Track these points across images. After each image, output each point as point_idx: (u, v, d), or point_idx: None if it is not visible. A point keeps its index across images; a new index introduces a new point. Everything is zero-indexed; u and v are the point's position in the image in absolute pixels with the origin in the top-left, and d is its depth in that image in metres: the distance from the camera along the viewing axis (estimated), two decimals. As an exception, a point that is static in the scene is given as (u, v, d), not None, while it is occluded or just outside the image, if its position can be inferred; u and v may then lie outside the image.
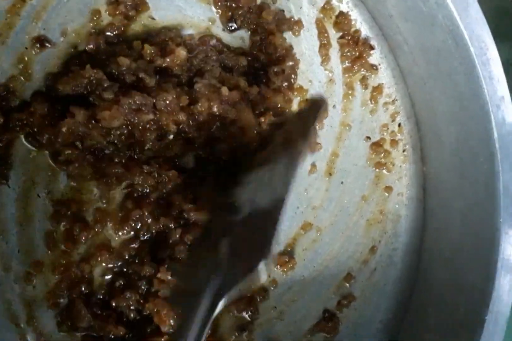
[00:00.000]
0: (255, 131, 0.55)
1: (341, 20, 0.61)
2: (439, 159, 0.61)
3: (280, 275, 0.60)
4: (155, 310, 0.51)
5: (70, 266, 0.52)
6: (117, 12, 0.54)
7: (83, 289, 0.52)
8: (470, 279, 0.55)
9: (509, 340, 0.54)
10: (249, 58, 0.58)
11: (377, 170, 0.64)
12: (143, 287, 0.52)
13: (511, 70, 0.85)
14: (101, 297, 0.52)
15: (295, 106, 0.61)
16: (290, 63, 0.60)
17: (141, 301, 0.52)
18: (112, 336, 0.51)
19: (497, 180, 0.52)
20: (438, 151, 0.61)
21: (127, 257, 0.53)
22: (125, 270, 0.53)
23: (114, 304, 0.51)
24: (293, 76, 0.60)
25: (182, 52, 0.53)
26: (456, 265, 0.57)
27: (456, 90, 0.54)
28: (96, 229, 0.53)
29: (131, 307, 0.52)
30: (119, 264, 0.53)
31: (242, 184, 0.55)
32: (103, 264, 0.52)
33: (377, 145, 0.64)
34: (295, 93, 0.61)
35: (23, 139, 0.52)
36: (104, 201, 0.53)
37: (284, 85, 0.60)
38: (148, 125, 0.52)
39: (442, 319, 0.58)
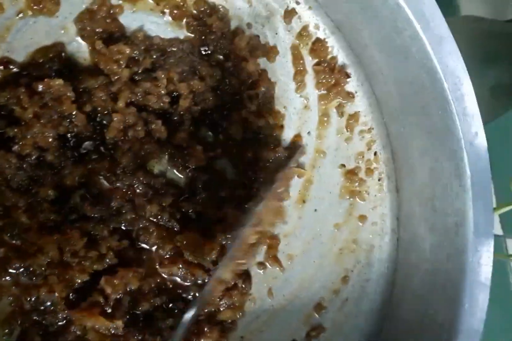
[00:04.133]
0: None
1: (318, 47, 0.60)
2: (413, 191, 0.60)
3: (248, 303, 0.59)
4: None
5: (21, 294, 0.51)
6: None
7: (35, 317, 0.51)
8: (439, 319, 0.54)
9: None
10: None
11: (351, 198, 0.63)
12: None
13: (500, 93, 0.84)
14: (55, 326, 0.51)
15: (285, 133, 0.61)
16: (265, 87, 0.59)
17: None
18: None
19: (468, 218, 0.51)
20: (412, 183, 0.60)
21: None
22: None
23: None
24: (269, 100, 0.60)
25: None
26: (426, 302, 0.56)
27: (430, 124, 0.53)
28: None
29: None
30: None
31: None
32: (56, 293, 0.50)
33: (352, 174, 0.62)
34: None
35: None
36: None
37: (262, 109, 0.59)
38: None
39: (410, 355, 0.57)
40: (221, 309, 0.56)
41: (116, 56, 0.52)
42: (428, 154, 0.55)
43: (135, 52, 0.53)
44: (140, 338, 0.52)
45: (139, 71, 0.54)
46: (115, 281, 0.51)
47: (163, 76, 0.53)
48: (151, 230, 0.52)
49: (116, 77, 0.52)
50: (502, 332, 0.93)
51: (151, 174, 0.55)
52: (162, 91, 0.53)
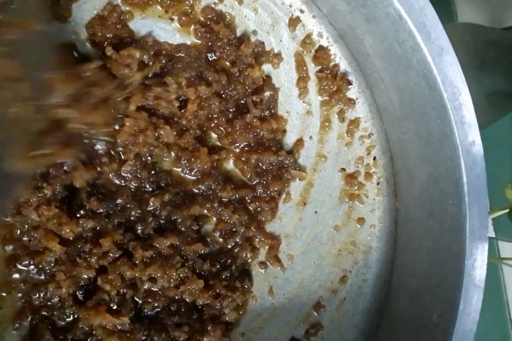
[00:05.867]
0: None
1: (321, 54, 0.61)
2: (411, 196, 0.62)
3: (249, 302, 0.61)
4: None
5: (30, 290, 0.52)
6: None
7: (44, 313, 0.52)
8: (434, 319, 0.55)
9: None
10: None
11: (350, 201, 0.65)
12: None
13: (496, 100, 0.86)
14: (63, 322, 0.53)
15: (288, 137, 0.63)
16: (269, 93, 0.61)
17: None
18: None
19: (464, 223, 0.53)
20: (410, 188, 0.61)
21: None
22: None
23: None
24: (273, 105, 0.61)
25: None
26: (421, 303, 0.58)
27: (428, 132, 0.55)
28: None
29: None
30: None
31: None
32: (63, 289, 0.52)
33: (351, 177, 0.64)
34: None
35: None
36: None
37: (266, 113, 0.61)
38: None
39: (405, 354, 0.59)
40: (226, 312, 0.58)
41: (127, 61, 0.53)
42: (426, 160, 0.57)
43: (144, 56, 0.55)
44: (145, 333, 0.54)
45: (149, 76, 0.55)
46: (109, 276, 0.52)
47: (173, 81, 0.55)
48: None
49: (128, 81, 0.54)
50: (494, 333, 0.95)
51: (157, 173, 0.57)
52: (172, 96, 0.55)
